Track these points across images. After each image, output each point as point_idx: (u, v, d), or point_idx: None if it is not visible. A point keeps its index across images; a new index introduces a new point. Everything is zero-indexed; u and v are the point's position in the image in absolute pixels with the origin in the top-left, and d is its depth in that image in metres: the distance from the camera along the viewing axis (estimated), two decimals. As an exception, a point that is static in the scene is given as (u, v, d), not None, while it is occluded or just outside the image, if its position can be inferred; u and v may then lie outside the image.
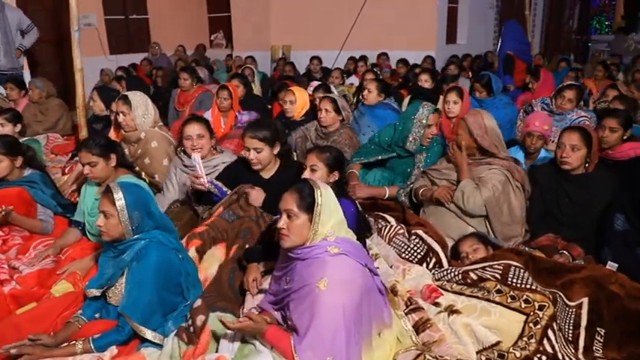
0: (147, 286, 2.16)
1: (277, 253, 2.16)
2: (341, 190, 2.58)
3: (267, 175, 2.98)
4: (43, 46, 8.19)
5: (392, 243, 2.81)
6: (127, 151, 3.59)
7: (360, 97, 4.84)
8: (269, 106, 5.92)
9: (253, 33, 10.32)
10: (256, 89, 6.62)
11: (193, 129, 3.25)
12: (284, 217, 1.96)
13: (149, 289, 2.16)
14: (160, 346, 2.15)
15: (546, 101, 4.49)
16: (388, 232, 2.89)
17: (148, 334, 2.15)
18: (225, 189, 2.91)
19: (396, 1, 9.20)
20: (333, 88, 5.56)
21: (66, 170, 4.20)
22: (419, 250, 2.73)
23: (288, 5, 10.07)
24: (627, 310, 2.27)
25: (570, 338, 2.24)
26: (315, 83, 5.78)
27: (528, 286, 2.29)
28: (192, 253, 2.63)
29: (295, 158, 4.07)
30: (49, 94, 5.53)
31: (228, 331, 2.03)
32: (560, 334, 2.17)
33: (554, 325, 2.14)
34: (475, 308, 2.22)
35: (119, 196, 2.18)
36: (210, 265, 2.57)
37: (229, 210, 2.82)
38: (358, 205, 2.82)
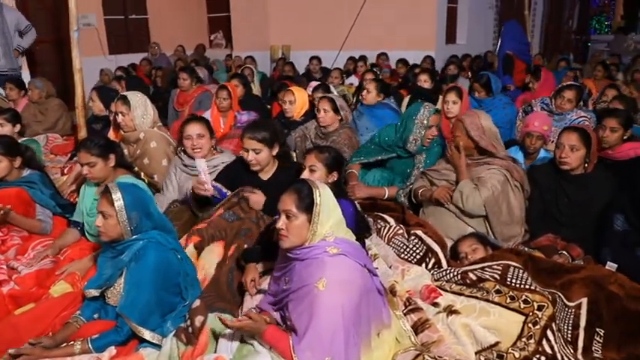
0: (145, 286, 2.16)
1: (276, 254, 2.15)
2: (339, 190, 2.58)
3: (265, 176, 2.98)
4: (43, 47, 8.20)
5: (391, 243, 2.81)
6: (126, 151, 3.58)
7: (360, 97, 4.84)
8: (268, 106, 5.93)
9: (253, 33, 10.32)
10: (256, 89, 6.63)
11: (194, 128, 3.25)
12: (283, 217, 1.96)
13: (147, 290, 2.16)
14: (158, 346, 2.15)
15: (546, 101, 4.49)
16: (387, 232, 2.89)
17: (147, 334, 2.15)
18: (224, 190, 2.91)
19: (395, 1, 9.20)
20: (332, 88, 5.56)
21: (65, 170, 4.20)
22: (418, 251, 2.73)
23: (287, 5, 10.07)
24: (626, 311, 2.27)
25: (569, 339, 2.24)
26: (315, 83, 5.77)
27: (527, 287, 2.29)
28: (190, 249, 2.64)
29: (295, 157, 4.07)
30: (48, 94, 5.54)
31: (227, 331, 2.03)
32: (560, 335, 2.17)
33: (554, 325, 2.14)
34: (474, 308, 2.22)
35: (117, 197, 2.18)
36: (208, 262, 2.58)
37: (230, 211, 2.83)
38: (357, 206, 2.82)
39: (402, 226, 2.95)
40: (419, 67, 7.20)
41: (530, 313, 2.15)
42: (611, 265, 2.63)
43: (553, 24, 13.49)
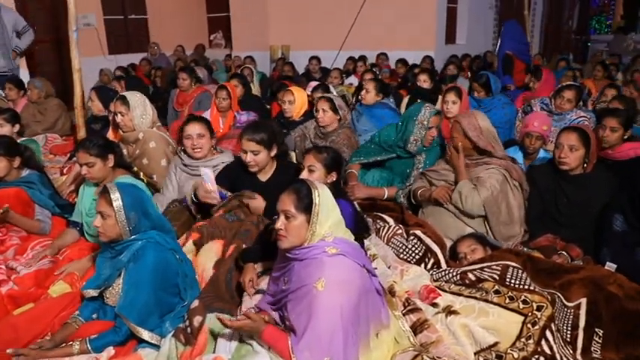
0: (144, 286, 2.16)
1: (275, 254, 2.15)
2: (338, 190, 2.58)
3: (264, 177, 2.98)
4: (42, 46, 8.20)
5: (390, 243, 2.81)
6: (125, 151, 3.58)
7: (359, 97, 4.84)
8: (268, 106, 5.93)
9: (252, 33, 10.32)
10: (255, 89, 6.62)
11: (194, 128, 3.25)
12: (281, 217, 1.95)
13: (146, 290, 2.16)
14: (157, 346, 2.15)
15: (545, 101, 4.49)
16: (386, 232, 2.89)
17: (145, 334, 2.15)
18: (224, 192, 2.91)
19: (395, 1, 9.20)
20: (332, 88, 5.56)
21: (64, 170, 4.19)
22: (417, 251, 2.72)
23: (287, 5, 10.07)
24: (625, 311, 2.27)
25: (568, 339, 2.24)
26: (314, 83, 5.77)
27: (526, 287, 2.28)
28: (189, 245, 2.64)
29: (294, 157, 4.07)
30: (47, 94, 5.53)
31: (226, 332, 2.03)
32: (559, 335, 2.17)
33: (553, 325, 2.13)
34: (473, 309, 2.22)
35: (116, 197, 2.18)
36: (206, 259, 2.58)
37: (230, 212, 2.83)
38: (356, 206, 2.82)
39: (401, 226, 2.95)
40: (418, 67, 7.20)
41: (529, 314, 2.14)
42: (610, 266, 2.62)
43: (553, 24, 13.50)
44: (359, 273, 1.95)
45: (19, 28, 6.27)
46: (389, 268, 2.57)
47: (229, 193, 2.89)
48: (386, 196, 3.42)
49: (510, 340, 2.10)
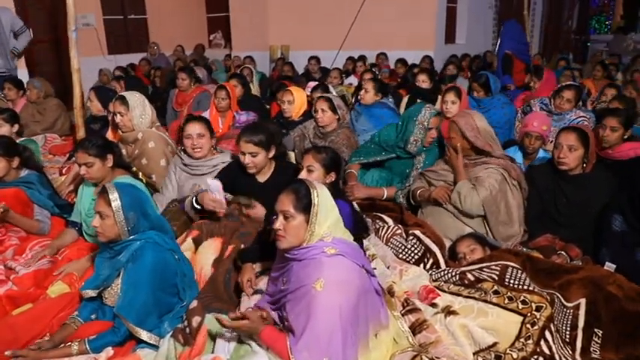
0: (142, 286, 2.16)
1: (273, 254, 2.15)
2: (337, 190, 2.57)
3: (262, 178, 2.97)
4: (41, 46, 8.20)
5: (389, 244, 2.80)
6: (124, 151, 3.58)
7: (358, 96, 4.84)
8: (267, 106, 5.92)
9: (252, 33, 10.32)
10: (255, 89, 6.62)
11: (194, 128, 3.25)
12: (280, 218, 1.95)
13: (145, 290, 2.16)
14: (155, 347, 2.15)
15: (545, 101, 4.48)
16: (386, 232, 2.88)
17: (144, 334, 2.14)
18: (223, 193, 2.90)
19: (394, 0, 9.19)
20: (331, 88, 5.56)
21: (63, 171, 4.19)
22: (416, 251, 2.72)
23: (286, 5, 10.07)
24: (625, 311, 2.26)
25: (568, 339, 2.23)
26: (313, 83, 5.77)
27: (526, 287, 2.28)
28: (188, 242, 2.65)
29: (294, 157, 4.07)
30: (46, 94, 5.52)
31: (225, 332, 2.03)
32: (558, 335, 2.17)
33: (552, 326, 2.13)
34: (472, 309, 2.21)
35: (115, 197, 2.18)
36: (204, 257, 2.59)
37: (231, 214, 2.83)
38: (355, 206, 2.82)
39: (400, 226, 2.94)
40: (418, 67, 7.20)
41: (529, 314, 2.14)
42: (609, 266, 2.62)
43: (552, 24, 13.50)
44: (358, 273, 1.95)
45: (16, 29, 6.25)
46: (388, 268, 2.57)
47: (229, 195, 2.89)
48: (385, 196, 3.41)
49: (509, 340, 2.09)
